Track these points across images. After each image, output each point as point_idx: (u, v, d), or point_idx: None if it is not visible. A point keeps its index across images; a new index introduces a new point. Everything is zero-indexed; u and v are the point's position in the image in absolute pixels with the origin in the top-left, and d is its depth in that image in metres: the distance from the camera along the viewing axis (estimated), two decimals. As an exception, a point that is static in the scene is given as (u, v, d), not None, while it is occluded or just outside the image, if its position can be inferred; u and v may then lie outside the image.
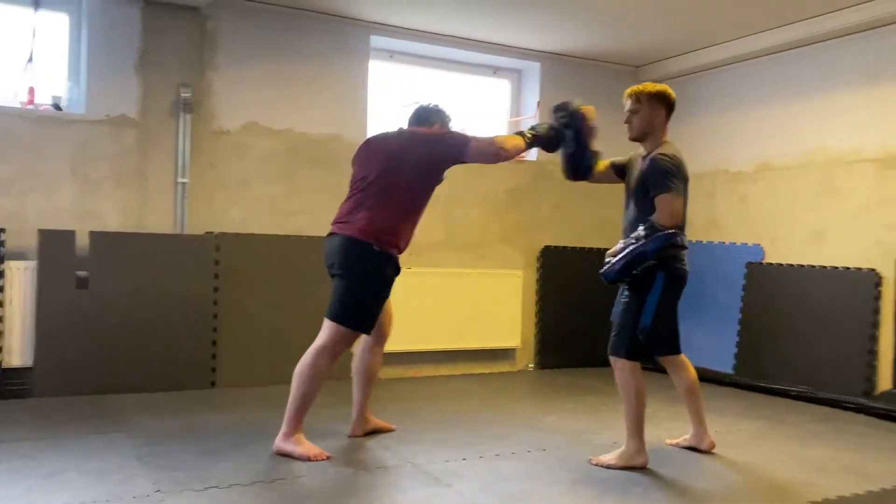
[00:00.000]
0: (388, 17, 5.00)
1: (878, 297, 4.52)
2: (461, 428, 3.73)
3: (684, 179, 3.14)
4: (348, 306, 3.13)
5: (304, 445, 3.09)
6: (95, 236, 4.26)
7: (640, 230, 3.04)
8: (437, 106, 3.50)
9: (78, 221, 4.31)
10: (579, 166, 3.33)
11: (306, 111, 4.95)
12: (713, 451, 3.37)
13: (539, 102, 5.61)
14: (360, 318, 3.15)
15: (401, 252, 3.24)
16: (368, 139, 3.48)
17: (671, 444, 3.49)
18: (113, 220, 4.44)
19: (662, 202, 3.04)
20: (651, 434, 3.36)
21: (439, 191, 5.54)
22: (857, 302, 4.59)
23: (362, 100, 5.14)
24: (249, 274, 4.66)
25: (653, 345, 3.22)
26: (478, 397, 4.59)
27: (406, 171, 3.18)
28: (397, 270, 3.23)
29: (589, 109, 3.27)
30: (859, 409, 4.32)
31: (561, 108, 3.30)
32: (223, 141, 4.73)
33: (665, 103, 3.21)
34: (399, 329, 5.06)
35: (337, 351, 3.14)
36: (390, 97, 5.39)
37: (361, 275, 3.13)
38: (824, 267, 4.83)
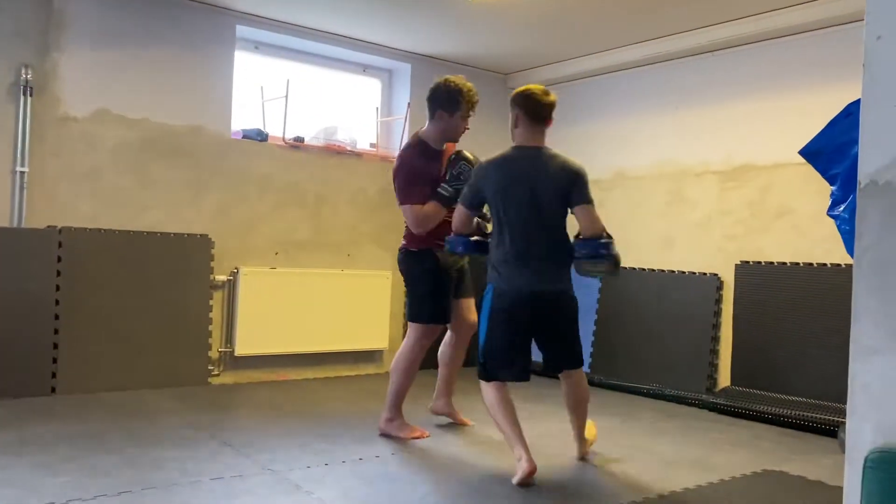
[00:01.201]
0: (255, 7, 4.83)
1: (719, 301, 4.86)
2: (325, 433, 3.65)
3: (474, 181, 3.17)
4: None
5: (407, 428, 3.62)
6: (-85, 228, 3.84)
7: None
8: (441, 84, 3.46)
9: None
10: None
11: (165, 100, 4.68)
12: (582, 459, 3.35)
13: (409, 104, 5.61)
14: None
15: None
16: None
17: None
18: (-63, 211, 4.01)
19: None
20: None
21: (308, 187, 5.41)
22: (701, 305, 4.91)
23: (226, 91, 4.93)
24: (97, 272, 4.35)
25: (497, 366, 3.05)
26: (343, 401, 4.51)
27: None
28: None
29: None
30: (702, 405, 4.63)
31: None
32: (70, 128, 4.38)
33: (517, 105, 3.12)
34: (262, 331, 4.95)
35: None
36: (257, 89, 5.20)
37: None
38: (673, 271, 5.14)
